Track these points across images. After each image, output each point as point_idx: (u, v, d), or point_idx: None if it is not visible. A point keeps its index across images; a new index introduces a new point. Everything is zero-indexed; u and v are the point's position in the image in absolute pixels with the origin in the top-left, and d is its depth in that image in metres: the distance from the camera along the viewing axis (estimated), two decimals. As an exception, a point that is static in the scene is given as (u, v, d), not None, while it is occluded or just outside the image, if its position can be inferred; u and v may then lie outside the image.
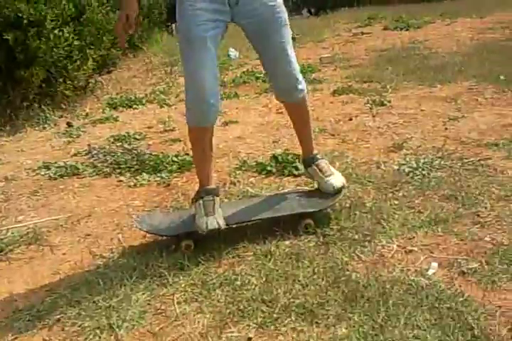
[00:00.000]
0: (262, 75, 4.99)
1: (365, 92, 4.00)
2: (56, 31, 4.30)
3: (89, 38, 4.88)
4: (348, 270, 1.66)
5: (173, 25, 9.71)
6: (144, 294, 1.65)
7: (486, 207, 1.98)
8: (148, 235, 2.03)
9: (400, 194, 2.18)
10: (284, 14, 1.92)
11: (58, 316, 1.58)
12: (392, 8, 9.58)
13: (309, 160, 2.16)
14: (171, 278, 1.71)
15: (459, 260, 1.66)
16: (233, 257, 1.82)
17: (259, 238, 1.90)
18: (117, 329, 1.46)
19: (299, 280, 1.62)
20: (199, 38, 1.79)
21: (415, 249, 1.76)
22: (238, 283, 1.65)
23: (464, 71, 4.27)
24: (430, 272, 1.60)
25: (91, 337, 1.47)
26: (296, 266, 1.71)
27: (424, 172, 2.38)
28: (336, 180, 2.07)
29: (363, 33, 7.22)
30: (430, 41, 5.95)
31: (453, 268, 1.63)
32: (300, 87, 2.01)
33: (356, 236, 1.86)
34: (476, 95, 3.64)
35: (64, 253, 2.02)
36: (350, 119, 3.40)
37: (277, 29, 1.89)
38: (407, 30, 7.06)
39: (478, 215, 1.93)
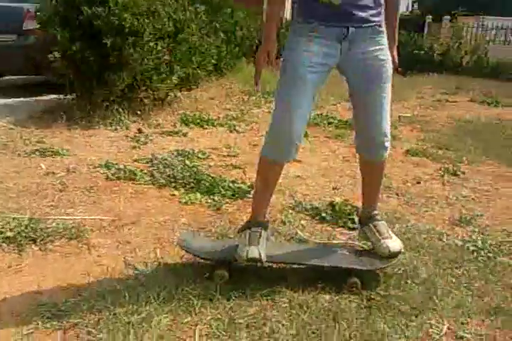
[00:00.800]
0: (336, 121, 4.95)
1: (439, 159, 3.84)
2: (152, 44, 4.46)
3: (179, 55, 5.03)
4: (387, 343, 1.50)
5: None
6: (166, 317, 1.56)
7: (554, 308, 1.77)
8: (185, 256, 1.95)
9: (460, 272, 2.00)
10: (391, 70, 1.88)
11: (77, 320, 1.52)
12: (481, 80, 9.38)
13: (368, 219, 2.04)
14: (198, 307, 1.62)
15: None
16: (267, 300, 1.71)
17: (299, 286, 1.78)
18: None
19: (331, 342, 1.48)
20: (303, 79, 1.76)
21: (468, 336, 1.58)
22: (267, 329, 1.53)
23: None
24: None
25: (102, 350, 1.39)
26: (332, 326, 1.57)
27: (490, 254, 2.19)
28: (394, 243, 1.94)
29: (447, 101, 7.06)
30: (516, 121, 5.71)
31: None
32: (387, 144, 1.94)
33: (403, 308, 1.70)
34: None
35: (99, 256, 1.98)
36: (419, 183, 3.25)
37: (381, 84, 1.84)
38: (494, 106, 6.83)
39: (544, 315, 1.73)
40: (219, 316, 1.59)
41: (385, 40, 1.85)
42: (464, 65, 11.04)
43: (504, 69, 10.71)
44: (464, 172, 3.49)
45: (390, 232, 2.01)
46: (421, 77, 9.52)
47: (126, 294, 1.66)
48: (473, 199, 3.00)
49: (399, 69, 2.00)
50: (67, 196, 2.57)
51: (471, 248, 2.23)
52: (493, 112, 6.27)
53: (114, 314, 1.55)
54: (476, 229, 2.48)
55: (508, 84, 9.25)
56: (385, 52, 1.85)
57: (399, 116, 5.42)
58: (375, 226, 2.01)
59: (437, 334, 1.58)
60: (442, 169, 3.51)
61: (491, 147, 4.30)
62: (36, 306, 1.59)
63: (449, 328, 1.61)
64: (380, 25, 1.83)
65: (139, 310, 1.58)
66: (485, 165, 3.77)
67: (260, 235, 1.85)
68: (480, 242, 2.30)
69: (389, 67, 1.86)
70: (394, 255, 1.91)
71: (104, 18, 4.12)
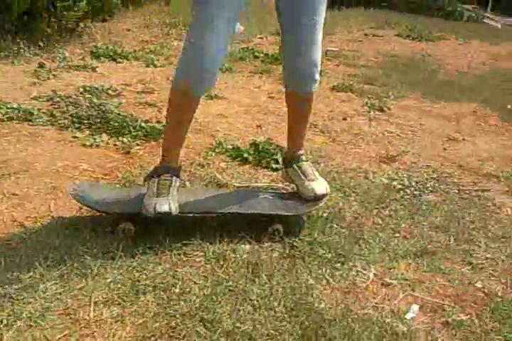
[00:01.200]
0: (262, 55, 4.67)
1: (365, 94, 3.72)
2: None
3: (88, -23, 4.43)
4: (312, 296, 1.37)
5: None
6: (55, 284, 1.32)
7: (479, 246, 1.72)
8: (85, 208, 1.69)
9: (386, 213, 1.90)
10: None
11: None
12: (407, 15, 9.31)
13: (292, 159, 1.86)
14: (96, 269, 1.39)
15: (444, 306, 1.39)
16: (179, 255, 1.51)
17: (215, 237, 1.59)
18: (4, 329, 1.13)
19: (250, 300, 1.32)
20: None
21: (394, 282, 1.48)
22: (177, 290, 1.34)
23: (471, 93, 4.03)
24: (409, 316, 1.33)
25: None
26: (251, 280, 1.41)
27: (416, 192, 2.11)
28: (320, 186, 1.78)
29: (374, 35, 6.94)
30: (441, 57, 5.70)
31: (436, 315, 1.36)
32: (316, 76, 1.75)
33: (329, 255, 1.57)
34: (479, 120, 3.40)
35: (-23, 211, 1.67)
36: (345, 119, 3.12)
37: (314, 8, 1.65)
38: (419, 40, 6.81)
39: (470, 254, 1.67)
40: (120, 278, 1.37)
41: None
42: (390, -1, 10.87)
43: (429, 4, 10.69)
44: (389, 108, 3.40)
45: (316, 174, 1.85)
46: (349, 11, 9.27)
47: (7, 259, 1.40)
48: (398, 135, 2.92)
49: None
50: None
51: (398, 186, 2.15)
52: (418, 47, 6.23)
53: (-13, 285, 1.29)
54: (402, 166, 2.41)
55: (431, 20, 9.26)
56: None
57: (326, 51, 5.21)
58: (299, 168, 1.84)
59: (364, 282, 1.47)
60: (369, 104, 3.40)
61: (416, 82, 4.25)
62: None
63: (375, 274, 1.51)
64: None
65: (20, 278, 1.32)
66: (411, 100, 3.72)
67: (171, 184, 1.61)
68: (406, 180, 2.22)
69: None
70: (320, 198, 1.77)
71: None
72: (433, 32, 7.40)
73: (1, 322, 1.17)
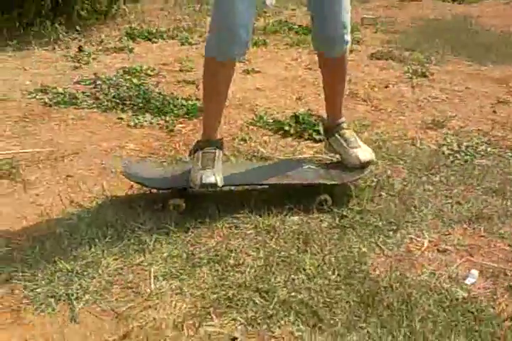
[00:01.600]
0: (296, 27, 4.58)
1: (406, 61, 3.60)
2: None
3: (118, -43, 4.43)
4: (365, 264, 1.36)
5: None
6: (116, 260, 1.37)
7: (539, 209, 1.66)
8: (136, 186, 1.73)
9: (437, 179, 1.85)
10: None
11: (10, 274, 1.30)
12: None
13: (334, 128, 1.83)
14: (152, 244, 1.43)
15: (506, 271, 1.36)
16: (230, 228, 1.53)
17: (264, 209, 1.60)
18: (75, 302, 1.19)
19: (304, 269, 1.33)
20: None
21: (451, 248, 1.46)
22: (231, 261, 1.36)
23: (519, 53, 3.83)
24: (469, 281, 1.30)
25: (42, 307, 1.20)
26: (303, 250, 1.41)
27: (466, 157, 2.04)
28: (364, 153, 1.75)
29: (411, 0, 6.66)
30: (485, 18, 5.42)
31: (498, 280, 1.33)
32: (346, 37, 1.70)
33: (380, 223, 1.55)
34: (530, 80, 3.24)
35: (37, 194, 1.73)
36: (387, 87, 3.04)
37: None
38: (459, 3, 6.48)
39: (530, 217, 1.61)
40: (176, 252, 1.40)
41: None
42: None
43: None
44: (432, 74, 3.28)
45: (359, 141, 1.82)
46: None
47: (69, 237, 1.46)
48: (444, 100, 2.83)
49: None
50: (-4, 128, 2.26)
51: (447, 152, 2.09)
52: (459, 10, 5.94)
53: (54, 262, 1.34)
54: (450, 132, 2.33)
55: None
56: None
57: (362, 18, 5.06)
58: (341, 136, 1.81)
59: (418, 249, 1.45)
60: (410, 71, 3.29)
61: (459, 45, 4.06)
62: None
63: (430, 241, 1.49)
64: None
65: (83, 255, 1.38)
66: (454, 65, 3.57)
67: (214, 156, 1.62)
68: (455, 145, 2.15)
69: None
70: (365, 165, 1.74)
71: None
72: (474, -9, 7.05)
73: (72, 295, 1.22)
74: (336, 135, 1.82)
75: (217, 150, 1.65)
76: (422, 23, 5.13)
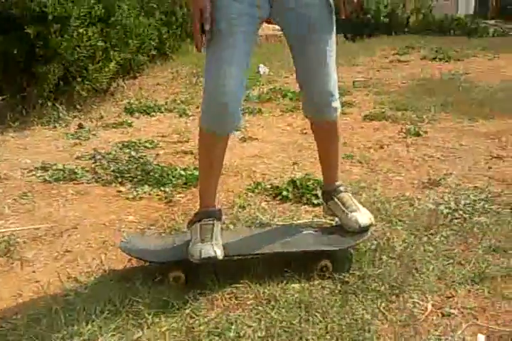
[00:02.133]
0: (290, 94, 4.74)
1: (399, 120, 3.70)
2: (81, 30, 4.11)
3: (114, 40, 4.68)
4: (369, 331, 1.32)
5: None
6: (113, 336, 1.33)
7: (542, 267, 1.63)
8: (134, 260, 1.72)
9: (437, 239, 1.84)
10: (329, 19, 1.65)
11: (2, 356, 1.28)
12: (430, 38, 9.32)
13: (331, 192, 1.84)
14: (151, 318, 1.40)
15: (514, 335, 1.32)
16: (230, 299, 1.50)
17: (264, 278, 1.58)
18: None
19: (306, 339, 1.30)
20: (229, 32, 1.53)
21: (455, 312, 1.42)
22: (231, 334, 1.33)
23: (509, 108, 3.93)
24: (476, 348, 1.26)
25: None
26: (305, 320, 1.38)
27: (465, 215, 2.04)
28: (363, 216, 1.75)
29: (399, 61, 6.95)
30: (472, 74, 5.63)
31: (506, 345, 1.28)
32: (334, 104, 1.73)
33: (382, 288, 1.52)
34: (522, 135, 3.30)
35: (34, 271, 1.72)
36: (382, 147, 3.09)
37: (320, 34, 1.64)
38: (446, 61, 6.76)
39: (533, 276, 1.58)
40: (175, 325, 1.37)
41: None
42: (410, 24, 10.97)
43: (449, 24, 10.70)
44: (426, 132, 3.36)
45: (357, 204, 1.82)
46: (370, 41, 9.39)
47: (66, 314, 1.43)
48: (439, 158, 2.87)
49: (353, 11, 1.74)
50: (-4, 207, 2.29)
51: (445, 210, 2.08)
52: (446, 67, 6.18)
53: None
54: (447, 190, 2.34)
55: (455, 39, 9.23)
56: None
57: (353, 82, 5.26)
58: (339, 199, 1.82)
59: (422, 313, 1.41)
60: (404, 131, 3.37)
61: (450, 103, 4.19)
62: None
63: (433, 305, 1.45)
64: None
65: (80, 332, 1.34)
66: (447, 122, 3.66)
67: (213, 227, 1.62)
68: (453, 203, 2.15)
69: (325, 15, 1.63)
70: (365, 228, 1.73)
71: (22, 4, 3.74)
72: (459, 51, 7.36)
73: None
74: (334, 199, 1.82)
75: (215, 221, 1.65)
76: (411, 82, 5.31)
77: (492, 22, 11.39)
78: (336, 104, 1.74)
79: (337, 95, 1.73)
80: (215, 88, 1.57)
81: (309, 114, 1.79)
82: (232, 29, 1.54)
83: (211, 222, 1.64)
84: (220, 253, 1.55)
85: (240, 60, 1.57)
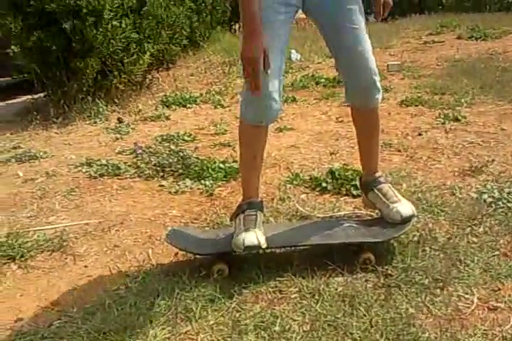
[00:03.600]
0: (323, 80, 4.70)
1: (437, 105, 3.62)
2: (115, 22, 4.17)
3: (148, 31, 4.74)
4: (414, 326, 1.34)
5: (237, 25, 9.55)
6: (163, 329, 1.39)
7: None
8: (180, 253, 1.78)
9: (481, 230, 1.82)
10: (360, 14, 1.67)
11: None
12: (466, 16, 9.00)
13: (370, 184, 1.84)
14: (198, 312, 1.45)
15: None
16: (274, 292, 1.54)
17: (307, 271, 1.61)
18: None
19: (351, 333, 1.32)
20: (267, 22, 1.55)
21: (502, 305, 1.41)
22: (277, 328, 1.36)
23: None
24: (524, 342, 1.26)
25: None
26: (349, 313, 1.40)
27: (509, 204, 2.00)
28: (404, 207, 1.75)
29: (434, 42, 6.75)
30: (511, 53, 5.44)
31: (556, 339, 1.28)
32: (378, 85, 1.72)
33: (426, 281, 1.53)
34: None
35: (86, 266, 1.81)
36: (420, 134, 3.05)
37: (350, 17, 1.65)
38: (483, 40, 6.53)
39: None
40: (222, 319, 1.42)
41: None
42: (444, 1, 10.62)
43: (487, 1, 10.30)
44: (465, 117, 3.28)
45: (398, 195, 1.82)
46: (403, 21, 9.15)
47: (118, 307, 1.50)
48: (479, 144, 2.80)
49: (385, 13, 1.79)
50: (47, 203, 2.39)
51: (488, 199, 2.05)
52: (484, 47, 5.98)
53: (104, 333, 1.38)
54: (490, 178, 2.30)
55: (492, 16, 8.88)
56: None
57: (387, 65, 5.16)
58: (380, 191, 1.81)
59: (468, 307, 1.41)
60: (442, 116, 3.30)
61: (488, 85, 4.06)
62: (16, 336, 1.42)
63: (479, 298, 1.45)
64: None
65: (132, 326, 1.41)
66: (486, 105, 3.56)
67: (256, 218, 1.66)
68: (496, 192, 2.11)
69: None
70: (407, 220, 1.73)
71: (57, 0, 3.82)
72: (497, 28, 7.09)
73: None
74: (374, 190, 1.83)
75: (258, 212, 1.69)
76: (447, 64, 5.16)
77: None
78: (379, 84, 1.73)
79: (378, 77, 1.71)
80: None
81: (355, 98, 1.77)
82: (272, 18, 1.57)
83: (254, 212, 1.67)
84: (263, 242, 1.59)
85: (281, 49, 1.61)
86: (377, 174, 1.87)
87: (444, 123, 3.19)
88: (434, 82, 4.41)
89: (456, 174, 2.39)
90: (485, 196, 2.08)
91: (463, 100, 3.65)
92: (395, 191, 1.83)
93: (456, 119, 3.24)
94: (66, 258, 1.87)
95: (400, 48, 6.47)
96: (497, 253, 1.66)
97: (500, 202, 2.02)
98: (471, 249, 1.69)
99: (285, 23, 1.63)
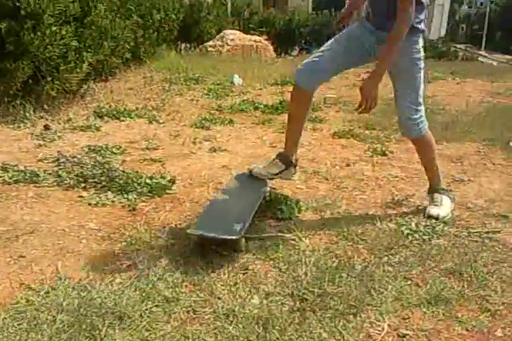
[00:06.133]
0: (262, 106, 4.76)
1: (367, 139, 3.75)
2: (54, 28, 4.03)
3: (89, 40, 4.62)
4: (325, 351, 1.32)
5: (182, 45, 9.57)
6: (63, 348, 1.29)
7: (495, 291, 1.68)
8: (92, 265, 1.68)
9: (396, 259, 1.87)
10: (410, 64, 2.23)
11: None
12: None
13: (433, 189, 2.43)
14: (104, 330, 1.36)
15: (463, 358, 1.34)
16: (187, 312, 1.48)
17: (225, 290, 1.57)
18: None
19: (262, 358, 1.28)
20: (344, 39, 2.25)
21: (410, 333, 1.44)
22: (186, 349, 1.30)
23: (473, 132, 4.05)
24: (428, 371, 1.28)
25: None
26: (263, 336, 1.37)
27: (424, 237, 2.08)
28: (436, 210, 2.29)
29: (370, 79, 7.07)
30: (439, 97, 5.78)
31: (456, 368, 1.31)
32: (410, 122, 2.28)
33: (340, 307, 1.53)
34: (483, 159, 3.40)
35: (-16, 276, 1.66)
36: (348, 165, 3.13)
37: (407, 68, 2.24)
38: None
39: (487, 300, 1.62)
40: (130, 339, 1.34)
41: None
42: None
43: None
44: (392, 152, 3.42)
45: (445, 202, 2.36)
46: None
47: (13, 323, 1.38)
48: (403, 179, 2.92)
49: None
50: (-50, 207, 2.20)
51: (406, 231, 2.12)
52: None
53: (-5, 352, 1.26)
54: (409, 210, 2.39)
55: (425, 61, 9.45)
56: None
57: (324, 98, 5.33)
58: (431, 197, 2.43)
59: (378, 333, 1.42)
60: (371, 149, 3.42)
61: (417, 124, 4.27)
62: None
63: (389, 325, 1.47)
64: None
65: (28, 344, 1.30)
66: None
67: (277, 166, 2.38)
68: (413, 224, 2.20)
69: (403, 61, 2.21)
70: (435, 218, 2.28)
71: (-5, -2, 3.66)
72: (429, 73, 7.55)
73: None
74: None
75: (280, 163, 2.35)
76: (381, 102, 5.35)
77: (462, 46, 11.78)
78: (412, 122, 2.29)
79: (416, 116, 2.28)
80: (313, 57, 2.24)
81: (400, 130, 2.52)
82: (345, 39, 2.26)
83: (279, 163, 2.34)
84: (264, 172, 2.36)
85: (340, 53, 2.23)
86: (440, 185, 2.44)
87: (372, 157, 3.30)
88: (367, 117, 4.54)
89: (378, 205, 2.46)
90: (403, 228, 2.15)
91: (392, 136, 3.81)
92: (445, 200, 2.37)
93: (384, 154, 3.37)
94: (-38, 267, 1.71)
95: (338, 82, 6.71)
96: (409, 282, 1.70)
97: (416, 234, 2.09)
98: (386, 277, 1.72)
99: (351, 50, 2.23)
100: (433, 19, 12.81)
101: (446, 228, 2.18)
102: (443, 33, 12.53)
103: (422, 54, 2.28)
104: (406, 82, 2.26)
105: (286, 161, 2.33)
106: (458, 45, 11.66)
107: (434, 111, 4.93)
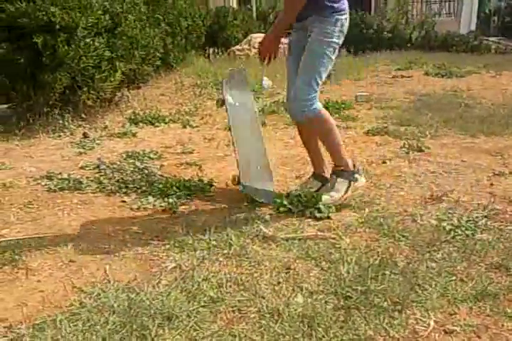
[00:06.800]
0: (293, 107, 4.76)
1: (402, 136, 3.72)
2: (88, 40, 4.16)
3: (121, 50, 4.73)
4: (372, 348, 1.33)
5: (211, 49, 9.67)
6: (117, 348, 1.34)
7: (544, 285, 1.64)
8: (140, 269, 1.73)
9: (439, 255, 1.85)
10: (314, 45, 2.19)
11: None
12: (433, 54, 9.39)
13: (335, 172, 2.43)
14: (154, 330, 1.40)
15: (515, 353, 1.32)
16: (233, 311, 1.51)
17: (268, 289, 1.59)
18: None
19: (309, 355, 1.30)
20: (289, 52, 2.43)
21: (457, 329, 1.42)
22: (234, 348, 1.33)
23: (511, 125, 3.96)
24: (478, 366, 1.26)
25: None
26: (308, 334, 1.38)
27: (467, 232, 2.05)
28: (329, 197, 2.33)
29: (402, 76, 7.00)
30: (474, 91, 5.68)
31: (507, 363, 1.29)
32: (296, 103, 2.26)
33: (385, 304, 1.53)
34: (525, 152, 3.32)
35: (38, 281, 1.73)
36: (384, 162, 3.11)
37: (311, 48, 2.21)
38: (448, 77, 6.81)
39: (535, 295, 1.59)
40: (179, 338, 1.38)
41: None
42: (413, 40, 11.06)
43: (452, 41, 10.78)
44: (428, 147, 3.38)
45: (340, 188, 2.38)
46: (373, 56, 9.45)
47: (71, 325, 1.44)
48: (441, 174, 2.88)
49: None
50: (1, 215, 2.30)
51: (448, 227, 2.09)
52: (449, 84, 6.23)
53: (54, 352, 1.32)
54: (450, 206, 2.35)
55: (458, 56, 9.29)
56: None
57: (356, 96, 5.29)
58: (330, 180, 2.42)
59: (425, 330, 1.41)
60: (406, 146, 3.39)
61: (452, 119, 4.22)
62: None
63: (436, 321, 1.45)
64: None
65: (84, 344, 1.35)
66: (449, 138, 3.68)
67: (308, 182, 2.59)
68: (455, 220, 2.17)
69: (311, 40, 2.21)
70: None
71: (30, 14, 3.79)
72: (462, 67, 7.41)
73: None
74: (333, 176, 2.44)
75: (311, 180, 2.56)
76: (414, 98, 5.33)
77: (494, 39, 11.48)
78: (302, 107, 2.25)
79: (301, 99, 2.23)
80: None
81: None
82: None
83: (315, 181, 2.54)
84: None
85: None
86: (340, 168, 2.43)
87: (408, 153, 3.26)
88: (400, 113, 4.53)
89: (417, 201, 2.43)
90: (444, 223, 2.12)
91: (427, 132, 3.76)
92: (341, 186, 2.39)
93: (420, 150, 3.33)
94: (17, 272, 1.79)
95: (369, 80, 6.67)
96: (454, 278, 1.68)
97: (458, 230, 2.06)
98: (429, 273, 1.71)
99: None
100: (462, 14, 12.53)
101: (489, 222, 2.14)
102: (473, 27, 12.25)
103: (337, 40, 2.18)
104: (305, 61, 2.21)
105: (321, 179, 2.52)
106: (490, 38, 11.35)
107: (470, 105, 4.84)
